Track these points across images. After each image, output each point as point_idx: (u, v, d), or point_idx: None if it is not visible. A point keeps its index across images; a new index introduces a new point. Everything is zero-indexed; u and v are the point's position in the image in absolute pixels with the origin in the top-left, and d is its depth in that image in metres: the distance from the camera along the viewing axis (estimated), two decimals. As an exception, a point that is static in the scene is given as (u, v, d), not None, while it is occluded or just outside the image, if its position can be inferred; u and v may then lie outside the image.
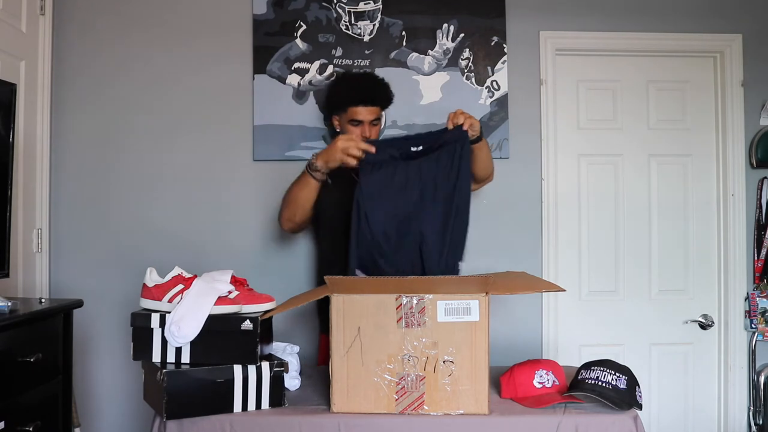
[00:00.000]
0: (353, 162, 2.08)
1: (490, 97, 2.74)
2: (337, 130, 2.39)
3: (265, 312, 1.79)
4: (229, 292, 1.77)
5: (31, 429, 1.61)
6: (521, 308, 2.72)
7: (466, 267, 2.65)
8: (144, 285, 1.78)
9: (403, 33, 2.73)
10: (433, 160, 2.10)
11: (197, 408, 1.67)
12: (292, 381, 1.89)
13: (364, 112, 2.29)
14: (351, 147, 2.07)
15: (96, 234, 2.66)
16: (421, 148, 2.12)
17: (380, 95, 2.37)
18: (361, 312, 1.68)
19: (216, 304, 1.73)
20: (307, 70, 2.70)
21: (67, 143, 2.66)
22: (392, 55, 2.72)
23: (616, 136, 2.86)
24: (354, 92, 2.32)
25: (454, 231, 2.11)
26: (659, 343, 2.85)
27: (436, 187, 2.09)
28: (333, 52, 2.70)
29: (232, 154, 2.69)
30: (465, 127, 2.08)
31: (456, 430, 1.65)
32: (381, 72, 2.68)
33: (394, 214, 2.09)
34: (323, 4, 2.70)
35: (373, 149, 2.09)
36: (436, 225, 2.09)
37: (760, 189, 2.82)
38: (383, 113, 2.41)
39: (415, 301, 1.67)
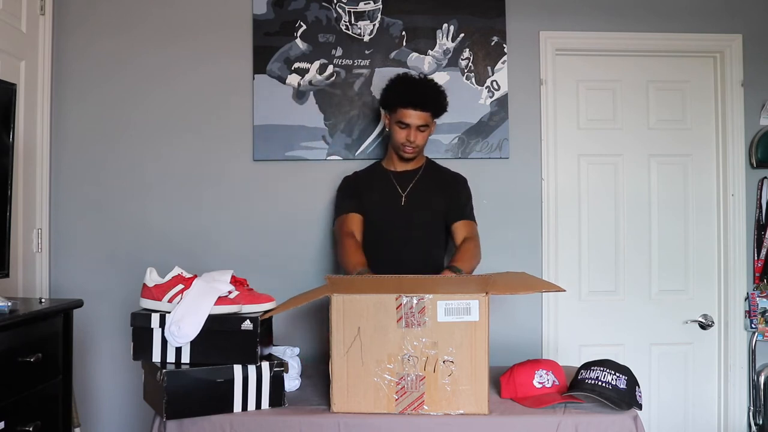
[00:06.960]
0: None
1: (490, 97, 2.74)
2: (386, 128, 2.44)
3: (265, 312, 1.79)
4: (229, 292, 1.77)
5: (31, 429, 1.61)
6: (521, 308, 2.72)
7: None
8: (144, 285, 1.78)
9: (403, 33, 2.72)
10: None
11: (197, 408, 1.67)
12: (292, 382, 1.89)
13: (413, 116, 2.28)
14: None
15: (96, 234, 2.66)
16: None
17: (433, 101, 2.32)
18: (361, 312, 1.68)
19: (216, 304, 1.73)
20: (307, 70, 2.70)
21: (67, 143, 2.66)
22: (392, 55, 2.72)
23: (616, 136, 2.86)
24: (407, 94, 2.30)
25: None
26: (659, 343, 2.84)
27: None
28: (333, 52, 2.70)
29: (232, 154, 2.69)
30: None
31: (456, 430, 1.65)
32: (381, 72, 2.68)
33: None
34: (323, 4, 2.70)
35: None
36: None
37: (760, 189, 2.82)
38: (435, 121, 2.37)
39: (415, 301, 1.67)
